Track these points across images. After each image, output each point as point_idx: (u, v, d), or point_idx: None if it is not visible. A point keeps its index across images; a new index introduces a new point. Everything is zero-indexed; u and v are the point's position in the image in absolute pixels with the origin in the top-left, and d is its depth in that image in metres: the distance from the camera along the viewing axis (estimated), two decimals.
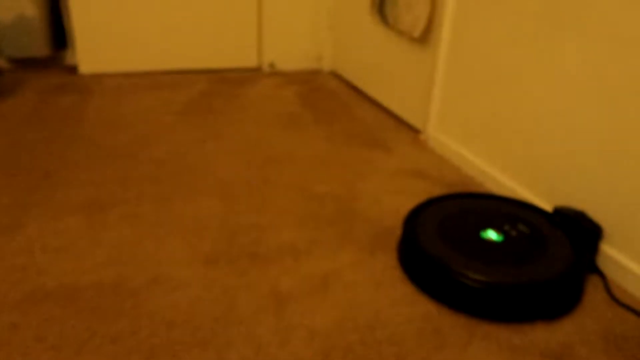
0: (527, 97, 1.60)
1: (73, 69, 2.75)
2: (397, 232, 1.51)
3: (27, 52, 2.72)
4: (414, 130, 2.26)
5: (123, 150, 1.95)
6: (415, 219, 1.39)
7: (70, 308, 1.16)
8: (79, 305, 1.17)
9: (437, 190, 1.75)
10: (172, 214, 1.55)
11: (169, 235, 1.44)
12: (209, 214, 1.56)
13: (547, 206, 1.56)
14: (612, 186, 1.34)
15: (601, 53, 1.34)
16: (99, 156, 1.89)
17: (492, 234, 1.33)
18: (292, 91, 2.71)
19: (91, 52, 2.71)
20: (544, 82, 1.53)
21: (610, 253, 1.35)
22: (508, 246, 1.29)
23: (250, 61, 3.03)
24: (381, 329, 1.14)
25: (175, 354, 1.05)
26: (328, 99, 2.62)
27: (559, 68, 1.47)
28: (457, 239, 1.31)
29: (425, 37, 2.08)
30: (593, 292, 1.30)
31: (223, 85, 2.74)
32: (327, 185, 1.76)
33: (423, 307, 1.22)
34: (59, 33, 2.81)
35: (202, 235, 1.45)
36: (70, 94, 2.49)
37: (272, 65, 3.05)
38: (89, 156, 1.88)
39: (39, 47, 2.72)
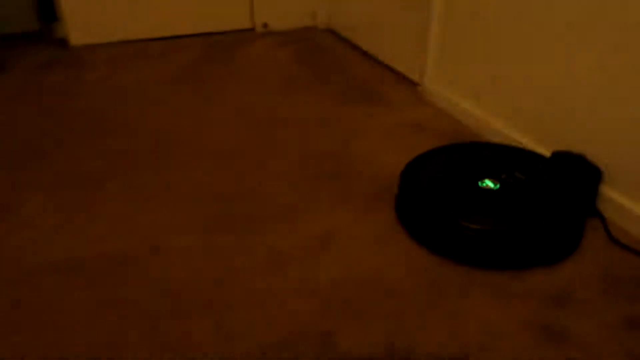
0: (523, 43, 1.55)
1: (63, 42, 2.71)
2: (396, 188, 1.50)
3: (15, 27, 2.68)
4: (411, 84, 2.22)
5: (118, 121, 1.94)
6: (412, 172, 1.39)
7: (74, 281, 1.18)
8: (82, 278, 1.19)
9: (435, 143, 1.73)
10: (169, 183, 1.55)
11: (168, 205, 1.45)
12: (206, 180, 1.56)
13: (546, 152, 1.54)
14: (611, 128, 1.32)
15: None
16: (93, 130, 1.88)
17: (489, 183, 1.32)
18: (287, 51, 2.66)
19: (80, 24, 2.66)
20: (542, 27, 1.48)
21: (610, 195, 1.34)
22: (506, 194, 1.28)
23: (243, 23, 2.97)
24: (379, 283, 1.15)
25: (179, 318, 1.07)
26: (324, 57, 2.57)
27: (558, 13, 1.42)
28: (454, 190, 1.30)
29: None
30: (593, 235, 1.29)
31: (216, 49, 2.70)
32: (325, 143, 1.75)
33: (421, 259, 1.22)
34: (46, 6, 2.75)
35: (200, 203, 1.45)
36: (62, 67, 2.46)
37: (265, 25, 2.98)
38: (83, 130, 1.88)
39: (27, 21, 2.68)
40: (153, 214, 1.41)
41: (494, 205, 1.25)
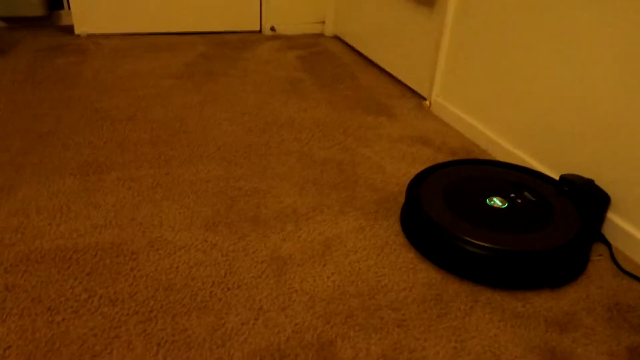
0: (535, 64, 1.55)
1: (69, 30, 2.68)
2: (400, 198, 1.48)
3: (21, 11, 2.64)
4: (419, 97, 2.20)
5: (121, 113, 1.90)
6: (419, 185, 1.36)
7: (68, 270, 1.14)
8: (77, 268, 1.15)
9: (441, 157, 1.72)
10: (171, 178, 1.52)
11: (168, 199, 1.41)
12: (208, 178, 1.53)
13: (554, 174, 1.53)
14: (621, 155, 1.31)
15: (616, 20, 1.28)
16: (96, 119, 1.84)
17: (497, 201, 1.30)
18: (293, 55, 2.65)
19: (87, 13, 2.63)
20: (554, 49, 1.47)
21: (617, 222, 1.33)
22: (514, 213, 1.26)
23: (251, 24, 2.95)
24: (383, 295, 1.13)
25: (174, 316, 1.03)
26: (331, 64, 2.56)
27: (570, 35, 1.41)
28: (461, 206, 1.28)
29: None
30: (598, 261, 1.28)
31: (223, 48, 2.67)
32: (329, 150, 1.73)
33: (425, 273, 1.20)
34: None
35: (201, 200, 1.42)
36: (66, 55, 2.42)
37: (273, 28, 2.97)
38: (85, 118, 1.84)
39: (34, 6, 2.64)
40: (152, 207, 1.37)
41: (500, 224, 1.23)
